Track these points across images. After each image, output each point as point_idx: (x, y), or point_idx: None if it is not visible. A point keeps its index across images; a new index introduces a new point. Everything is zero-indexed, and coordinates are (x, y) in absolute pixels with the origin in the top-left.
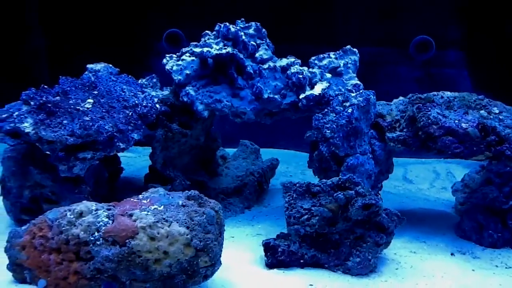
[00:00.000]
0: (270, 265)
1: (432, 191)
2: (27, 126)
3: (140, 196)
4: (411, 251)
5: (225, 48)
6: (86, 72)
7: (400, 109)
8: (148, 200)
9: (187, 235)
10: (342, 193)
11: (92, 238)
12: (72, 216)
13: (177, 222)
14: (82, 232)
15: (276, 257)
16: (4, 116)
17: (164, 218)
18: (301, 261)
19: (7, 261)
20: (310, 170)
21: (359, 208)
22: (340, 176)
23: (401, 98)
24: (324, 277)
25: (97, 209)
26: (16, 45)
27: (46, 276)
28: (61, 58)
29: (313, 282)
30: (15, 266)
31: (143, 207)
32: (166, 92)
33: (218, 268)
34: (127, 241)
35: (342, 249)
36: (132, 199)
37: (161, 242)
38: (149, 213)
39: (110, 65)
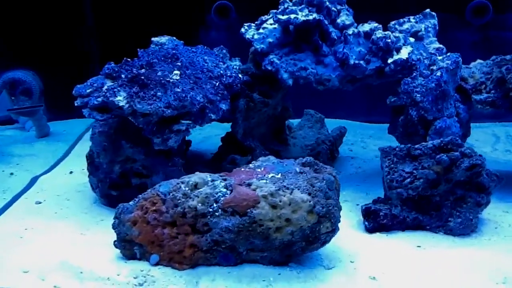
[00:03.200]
0: (371, 229)
1: (497, 153)
2: (120, 99)
3: (251, 165)
4: (503, 211)
5: (311, 15)
6: (152, 45)
7: (484, 71)
8: (262, 169)
9: (309, 201)
10: (446, 155)
11: (210, 210)
12: (187, 188)
13: (299, 189)
14: (199, 204)
15: (378, 221)
16: (88, 91)
17: (285, 186)
18: (403, 224)
19: (105, 238)
20: (369, 138)
21: (465, 169)
22: (429, 140)
23: (479, 60)
24: (428, 238)
25: (213, 180)
26: (70, 26)
27: (159, 251)
28: (111, 35)
29: (420, 244)
30: (124, 243)
31: (259, 175)
32: (237, 62)
33: (336, 233)
34: (248, 210)
35: (443, 210)
36: (243, 169)
37: (283, 210)
38: (268, 182)
39: (174, 38)
